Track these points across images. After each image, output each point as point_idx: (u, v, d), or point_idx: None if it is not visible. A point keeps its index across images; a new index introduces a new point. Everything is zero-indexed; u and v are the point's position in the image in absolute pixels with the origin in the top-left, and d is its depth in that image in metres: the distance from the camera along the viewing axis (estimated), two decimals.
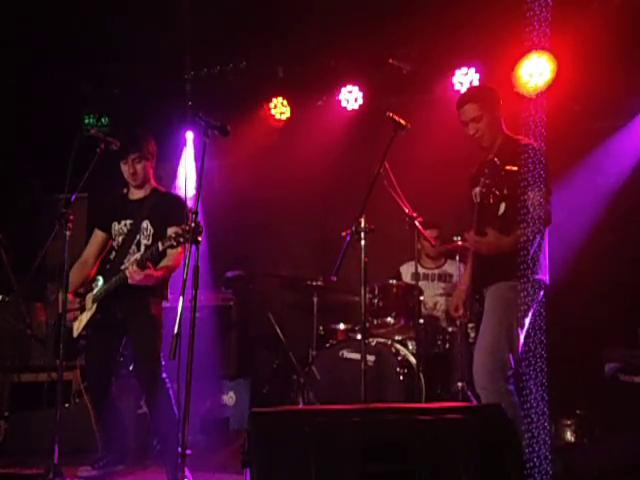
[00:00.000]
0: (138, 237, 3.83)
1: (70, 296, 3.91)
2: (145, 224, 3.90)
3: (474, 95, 3.65)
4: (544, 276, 3.45)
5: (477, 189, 3.54)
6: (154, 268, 3.75)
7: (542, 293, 3.42)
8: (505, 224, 3.42)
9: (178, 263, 3.90)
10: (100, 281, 3.95)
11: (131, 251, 3.93)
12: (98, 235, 4.15)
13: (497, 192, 3.34)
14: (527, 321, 3.38)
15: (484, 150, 3.63)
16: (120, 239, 4.00)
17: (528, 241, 3.30)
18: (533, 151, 3.36)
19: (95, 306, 3.90)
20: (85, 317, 3.93)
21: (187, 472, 3.43)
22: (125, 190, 4.17)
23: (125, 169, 4.00)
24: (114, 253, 4.03)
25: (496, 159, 3.32)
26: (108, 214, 4.13)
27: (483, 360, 3.35)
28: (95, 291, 3.94)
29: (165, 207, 3.91)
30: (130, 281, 3.69)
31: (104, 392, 3.99)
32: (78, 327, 3.93)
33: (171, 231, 3.70)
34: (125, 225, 4.01)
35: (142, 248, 3.91)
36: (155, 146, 4.12)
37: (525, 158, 3.30)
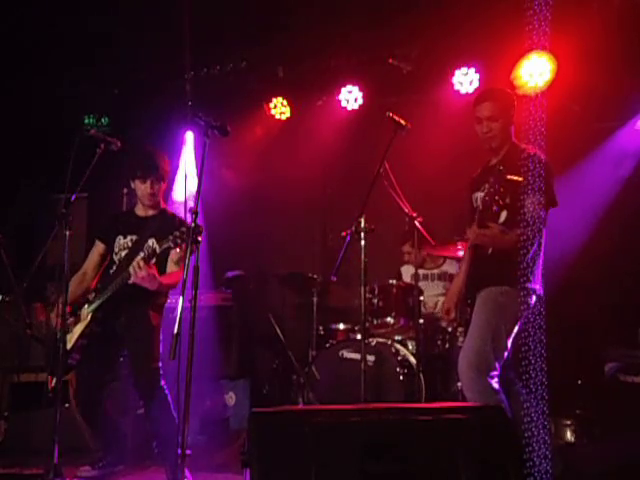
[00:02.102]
0: (142, 254, 3.80)
1: (69, 310, 3.85)
2: (151, 242, 3.84)
3: (495, 95, 3.61)
4: (536, 285, 3.45)
5: (479, 194, 3.53)
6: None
7: (534, 301, 3.41)
8: (506, 226, 3.41)
9: (177, 280, 3.85)
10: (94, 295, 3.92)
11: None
12: (99, 247, 4.12)
13: (501, 202, 3.32)
14: (516, 328, 3.38)
15: (490, 152, 3.60)
16: (123, 254, 3.96)
17: (526, 245, 3.28)
18: (539, 162, 3.33)
19: (90, 317, 3.85)
20: (79, 328, 3.87)
21: (187, 472, 3.43)
22: (129, 205, 4.16)
23: (142, 188, 4.00)
24: (115, 268, 3.97)
25: (501, 167, 3.28)
26: (113, 227, 4.11)
27: (468, 360, 3.34)
28: (93, 302, 3.88)
29: (171, 229, 3.73)
30: (133, 277, 3.62)
31: (96, 407, 3.93)
32: (71, 339, 3.86)
33: (174, 252, 3.77)
34: (130, 240, 3.99)
35: None
36: (169, 166, 4.15)
37: (530, 169, 3.28)
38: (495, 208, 3.33)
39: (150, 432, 4.00)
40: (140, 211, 4.11)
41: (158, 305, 3.97)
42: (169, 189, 5.82)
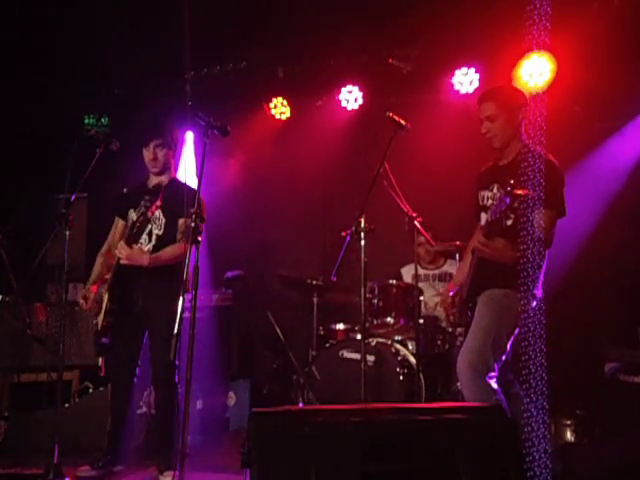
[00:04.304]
0: (150, 226, 3.78)
1: (94, 289, 3.92)
2: (158, 213, 3.81)
3: (494, 94, 3.56)
4: (538, 290, 3.44)
5: (486, 192, 3.52)
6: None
7: (534, 305, 3.40)
8: (510, 237, 3.36)
9: (180, 251, 3.74)
10: None
11: (142, 241, 3.89)
12: (119, 224, 4.11)
13: (511, 215, 3.27)
14: (516, 331, 3.37)
15: (495, 151, 3.57)
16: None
17: (528, 262, 3.27)
18: (553, 173, 3.30)
19: (107, 295, 3.87)
20: (103, 307, 3.90)
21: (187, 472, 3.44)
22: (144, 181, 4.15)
23: (146, 155, 3.99)
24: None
25: (512, 181, 3.20)
26: (125, 201, 4.08)
27: (468, 360, 3.34)
28: (108, 281, 3.92)
29: (180, 198, 3.69)
30: (121, 259, 3.72)
31: (129, 382, 3.95)
32: (99, 320, 3.90)
33: (181, 222, 3.76)
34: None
35: (154, 238, 3.88)
36: (179, 135, 4.10)
37: (542, 180, 3.22)
38: (504, 222, 3.29)
39: (153, 425, 3.99)
40: (150, 182, 4.07)
41: (169, 274, 3.79)
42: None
